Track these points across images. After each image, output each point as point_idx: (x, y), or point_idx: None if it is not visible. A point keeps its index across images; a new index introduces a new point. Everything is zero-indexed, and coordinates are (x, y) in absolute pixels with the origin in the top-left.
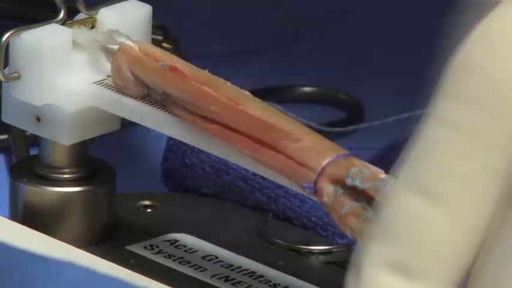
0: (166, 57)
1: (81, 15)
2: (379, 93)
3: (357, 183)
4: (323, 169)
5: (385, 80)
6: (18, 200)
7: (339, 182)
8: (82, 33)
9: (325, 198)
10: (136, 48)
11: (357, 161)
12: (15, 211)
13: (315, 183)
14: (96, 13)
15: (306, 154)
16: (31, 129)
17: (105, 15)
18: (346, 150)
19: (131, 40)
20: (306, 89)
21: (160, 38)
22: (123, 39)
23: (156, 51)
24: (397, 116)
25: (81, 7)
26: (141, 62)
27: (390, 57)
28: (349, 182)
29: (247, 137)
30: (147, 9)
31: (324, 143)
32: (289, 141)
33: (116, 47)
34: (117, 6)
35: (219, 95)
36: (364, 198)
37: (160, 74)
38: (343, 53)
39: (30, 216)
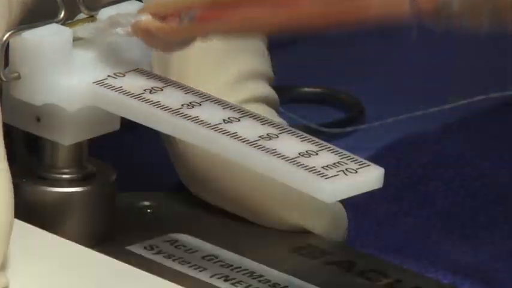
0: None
1: (81, 15)
2: (379, 93)
3: None
4: None
5: (385, 80)
6: (18, 201)
7: None
8: (84, 28)
9: None
10: (149, 21)
11: None
12: (15, 211)
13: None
14: (97, 13)
15: None
16: (31, 129)
17: (106, 15)
18: None
19: (137, 16)
20: (306, 89)
21: None
22: (130, 19)
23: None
24: (396, 117)
25: (81, 7)
26: (156, 38)
27: (390, 57)
28: None
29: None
30: None
31: None
32: None
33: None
34: (117, 6)
35: None
36: None
37: (189, 32)
38: (343, 53)
39: (30, 216)
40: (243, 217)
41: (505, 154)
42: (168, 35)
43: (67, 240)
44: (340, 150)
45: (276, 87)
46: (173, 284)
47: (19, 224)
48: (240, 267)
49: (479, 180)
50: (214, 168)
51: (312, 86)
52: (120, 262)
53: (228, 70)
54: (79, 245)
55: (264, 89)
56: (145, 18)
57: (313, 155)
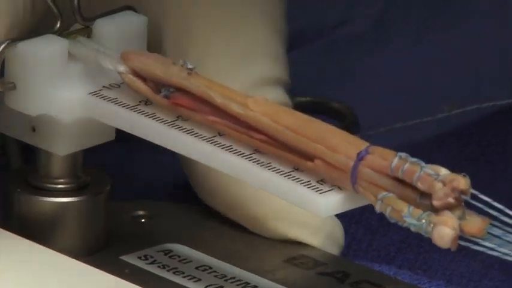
0: (167, 76)
1: (77, 26)
2: (372, 102)
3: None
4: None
5: (378, 90)
6: (13, 210)
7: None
8: (76, 47)
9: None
10: (131, 79)
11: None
12: (9, 221)
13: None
14: (92, 24)
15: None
16: (26, 139)
17: (101, 26)
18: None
19: (127, 70)
20: (300, 98)
21: None
22: (110, 67)
23: (157, 71)
24: (390, 126)
25: (77, 17)
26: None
27: (384, 66)
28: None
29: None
30: (142, 20)
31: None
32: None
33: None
34: (113, 16)
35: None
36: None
37: (164, 106)
38: (337, 62)
39: (24, 226)
40: (244, 226)
41: (498, 163)
42: (147, 96)
43: (59, 253)
44: None
45: None
46: None
47: (11, 236)
48: (233, 277)
49: (473, 189)
50: (224, 177)
51: (305, 95)
52: (113, 276)
53: (246, 74)
54: (70, 258)
55: (280, 95)
56: (126, 72)
57: None
